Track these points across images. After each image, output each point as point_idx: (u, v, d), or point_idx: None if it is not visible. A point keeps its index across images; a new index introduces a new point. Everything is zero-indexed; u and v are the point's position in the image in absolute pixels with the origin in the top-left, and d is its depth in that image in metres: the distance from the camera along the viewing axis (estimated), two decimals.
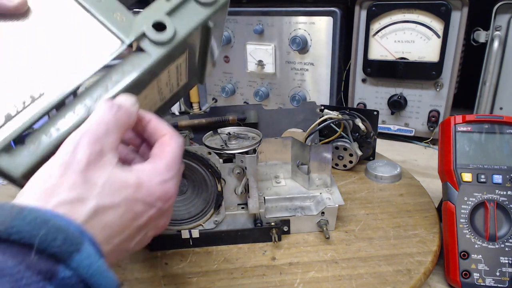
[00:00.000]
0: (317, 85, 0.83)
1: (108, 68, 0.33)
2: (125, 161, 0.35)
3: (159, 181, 0.30)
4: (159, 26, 0.34)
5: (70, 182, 0.26)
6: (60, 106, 0.32)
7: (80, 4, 0.33)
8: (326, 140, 0.64)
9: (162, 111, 0.46)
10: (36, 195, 0.25)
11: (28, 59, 0.32)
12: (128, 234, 0.28)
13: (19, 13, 0.32)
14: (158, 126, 0.33)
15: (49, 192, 0.25)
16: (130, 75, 0.33)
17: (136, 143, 0.36)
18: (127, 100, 0.31)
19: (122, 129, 0.30)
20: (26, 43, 0.32)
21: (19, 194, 0.26)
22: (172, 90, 0.43)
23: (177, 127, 0.56)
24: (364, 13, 0.75)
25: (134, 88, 0.33)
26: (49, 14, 0.33)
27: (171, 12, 0.35)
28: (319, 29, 0.78)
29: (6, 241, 0.21)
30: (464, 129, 0.47)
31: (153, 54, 0.33)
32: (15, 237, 0.21)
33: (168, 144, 0.32)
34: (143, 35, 0.33)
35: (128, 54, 0.33)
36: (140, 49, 0.33)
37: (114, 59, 0.33)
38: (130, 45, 0.33)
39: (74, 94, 0.32)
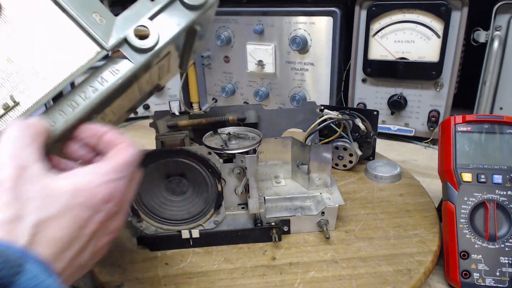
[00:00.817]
0: (317, 85, 0.83)
1: (86, 73, 0.32)
2: None
3: (101, 181, 0.28)
4: (142, 31, 0.32)
5: (3, 202, 0.24)
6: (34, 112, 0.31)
7: (57, 3, 0.31)
8: (326, 140, 0.64)
9: (143, 100, 0.46)
10: None
11: None
12: (79, 245, 0.27)
13: None
14: (115, 137, 0.32)
15: None
16: (110, 83, 0.31)
17: (88, 158, 0.33)
18: (31, 118, 0.30)
19: (36, 140, 0.28)
20: None
21: None
22: (152, 84, 0.42)
23: (177, 127, 0.56)
24: (364, 13, 0.75)
25: (114, 94, 0.32)
26: (21, 13, 0.31)
27: (155, 15, 0.33)
28: (319, 29, 0.78)
29: None
30: (464, 129, 0.47)
31: (135, 61, 0.32)
32: None
33: (123, 150, 0.30)
34: (125, 41, 0.32)
35: (108, 60, 0.32)
36: (120, 54, 0.32)
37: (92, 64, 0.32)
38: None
39: (54, 99, 0.31)
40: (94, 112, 0.33)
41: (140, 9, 0.33)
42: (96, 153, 0.33)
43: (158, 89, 0.47)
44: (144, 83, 0.39)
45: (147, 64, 0.33)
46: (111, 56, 0.33)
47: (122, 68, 0.32)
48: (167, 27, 0.33)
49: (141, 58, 0.32)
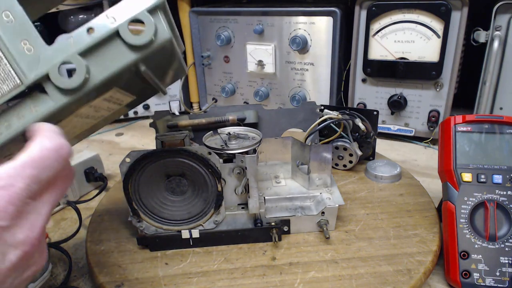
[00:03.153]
0: (317, 85, 0.83)
1: (4, 108, 0.29)
2: None
3: None
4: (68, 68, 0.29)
5: None
6: None
7: None
8: (326, 140, 0.64)
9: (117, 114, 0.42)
10: None
11: None
12: None
13: None
14: (32, 129, 0.28)
15: None
16: (26, 120, 0.29)
17: None
18: None
19: None
20: None
21: None
22: (112, 110, 0.39)
23: (177, 127, 0.56)
24: (364, 13, 0.75)
25: None
26: None
27: (88, 51, 0.29)
28: (319, 29, 0.78)
29: None
30: (464, 129, 0.47)
31: (55, 102, 0.29)
32: None
33: (28, 147, 0.27)
34: (47, 77, 0.28)
35: (32, 94, 0.29)
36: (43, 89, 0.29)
37: (12, 98, 0.29)
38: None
39: None
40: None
41: (75, 40, 0.29)
42: None
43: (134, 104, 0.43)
44: (92, 113, 0.35)
45: (75, 104, 0.30)
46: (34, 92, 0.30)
47: (42, 108, 0.29)
48: (101, 65, 0.29)
49: (64, 99, 0.29)
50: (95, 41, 0.29)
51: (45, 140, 0.27)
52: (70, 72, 0.29)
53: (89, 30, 0.29)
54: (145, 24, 0.29)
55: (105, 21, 0.29)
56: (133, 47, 0.29)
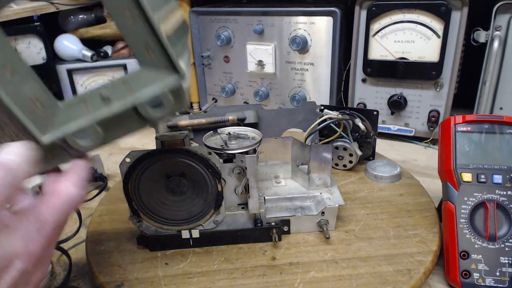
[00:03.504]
0: (317, 85, 0.83)
1: None
2: None
3: None
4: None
5: None
6: None
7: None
8: (326, 140, 0.64)
9: None
10: None
11: None
12: None
13: None
14: (54, 178, 0.30)
15: None
16: (42, 167, 0.31)
17: None
18: None
19: None
20: None
21: None
22: None
23: (177, 127, 0.56)
24: (364, 13, 0.75)
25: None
26: None
27: (105, 122, 0.30)
28: (319, 29, 0.78)
29: None
30: (464, 129, 0.47)
31: (71, 154, 0.31)
32: None
33: (56, 187, 0.28)
34: (64, 140, 0.30)
35: (52, 148, 0.30)
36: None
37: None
38: None
39: None
40: None
41: (90, 106, 0.30)
42: None
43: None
44: None
45: None
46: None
47: (57, 159, 0.31)
48: (113, 131, 0.31)
49: (78, 154, 0.32)
50: (112, 113, 0.29)
51: (72, 187, 0.29)
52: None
53: (105, 98, 0.29)
54: (163, 102, 0.29)
55: (123, 92, 0.30)
56: (146, 120, 0.31)
